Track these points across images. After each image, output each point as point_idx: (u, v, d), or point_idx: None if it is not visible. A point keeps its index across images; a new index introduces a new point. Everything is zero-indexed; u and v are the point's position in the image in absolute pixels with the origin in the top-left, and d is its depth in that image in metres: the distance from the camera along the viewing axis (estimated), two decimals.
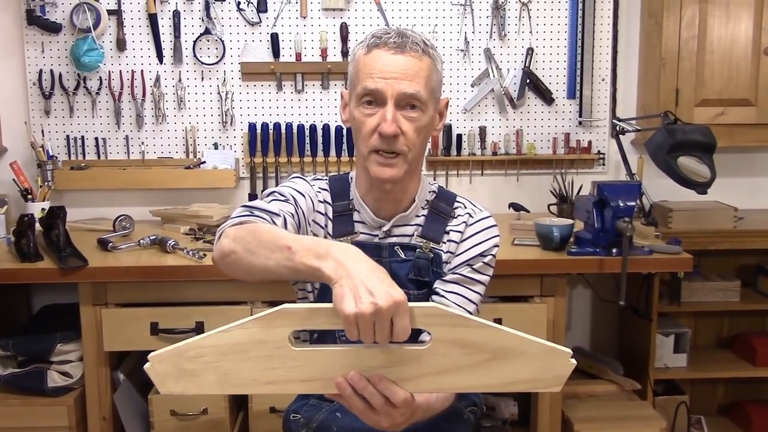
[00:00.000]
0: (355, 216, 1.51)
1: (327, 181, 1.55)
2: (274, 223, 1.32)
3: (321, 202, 1.51)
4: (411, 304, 1.01)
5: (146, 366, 1.04)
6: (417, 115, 1.37)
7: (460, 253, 1.50)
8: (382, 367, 1.04)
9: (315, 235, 1.47)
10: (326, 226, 1.50)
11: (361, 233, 1.50)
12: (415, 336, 1.13)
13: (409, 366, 1.04)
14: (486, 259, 1.50)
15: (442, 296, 1.46)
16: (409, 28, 1.44)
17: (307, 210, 1.46)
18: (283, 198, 1.43)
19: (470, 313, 1.48)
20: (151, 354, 1.03)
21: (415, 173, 1.48)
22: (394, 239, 1.50)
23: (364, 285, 1.02)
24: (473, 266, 1.49)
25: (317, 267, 1.09)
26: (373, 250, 1.46)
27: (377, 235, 1.50)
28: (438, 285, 1.48)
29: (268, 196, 1.44)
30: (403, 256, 1.48)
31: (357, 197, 1.51)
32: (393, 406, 1.06)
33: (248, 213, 1.34)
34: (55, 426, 2.26)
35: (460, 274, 1.48)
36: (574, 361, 1.03)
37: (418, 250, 1.48)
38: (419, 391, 1.08)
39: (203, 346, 1.03)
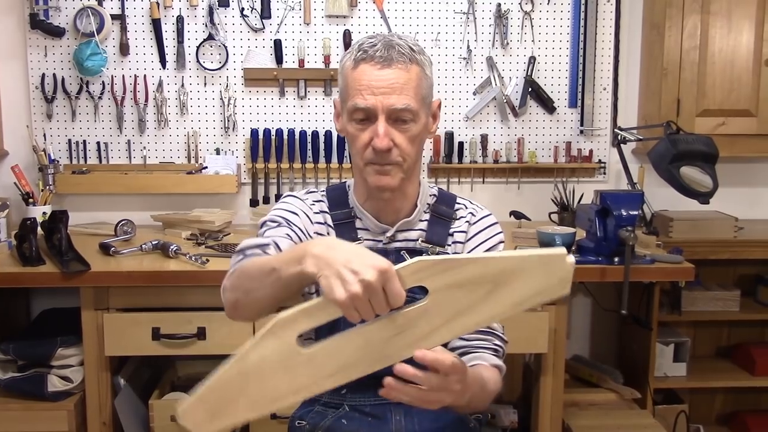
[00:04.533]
0: (358, 223, 1.51)
1: (323, 193, 1.55)
2: (266, 253, 1.35)
3: (317, 213, 1.51)
4: (396, 266, 1.02)
5: (179, 420, 1.05)
6: (409, 126, 1.38)
7: (466, 253, 1.50)
8: (394, 335, 1.04)
9: None
10: (329, 234, 1.50)
11: (366, 239, 1.50)
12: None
13: (419, 325, 1.04)
14: None
15: None
16: (395, 34, 1.44)
17: (304, 227, 1.47)
18: (274, 224, 1.45)
19: None
20: (179, 408, 1.05)
21: (413, 179, 1.48)
22: (399, 244, 1.50)
23: (346, 268, 1.03)
24: None
25: (299, 270, 1.10)
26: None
27: (381, 241, 1.50)
28: None
29: (261, 227, 1.46)
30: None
31: (357, 205, 1.51)
32: (445, 377, 1.07)
33: (241, 257, 1.36)
34: (55, 431, 2.25)
35: None
36: (571, 257, 1.03)
37: (424, 254, 1.48)
38: (436, 345, 1.09)
39: (226, 379, 1.04)
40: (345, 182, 1.57)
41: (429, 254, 1.48)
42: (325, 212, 1.52)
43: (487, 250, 1.50)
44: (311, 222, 1.49)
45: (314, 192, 1.55)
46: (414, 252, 1.49)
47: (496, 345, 1.45)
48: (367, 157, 1.39)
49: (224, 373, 1.04)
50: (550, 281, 1.03)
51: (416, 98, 1.37)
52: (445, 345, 1.14)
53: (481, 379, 1.23)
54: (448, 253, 1.50)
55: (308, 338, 1.38)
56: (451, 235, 1.51)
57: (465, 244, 1.51)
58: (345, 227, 1.50)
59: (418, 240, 1.50)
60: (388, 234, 1.49)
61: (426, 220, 1.52)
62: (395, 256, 1.48)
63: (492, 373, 1.38)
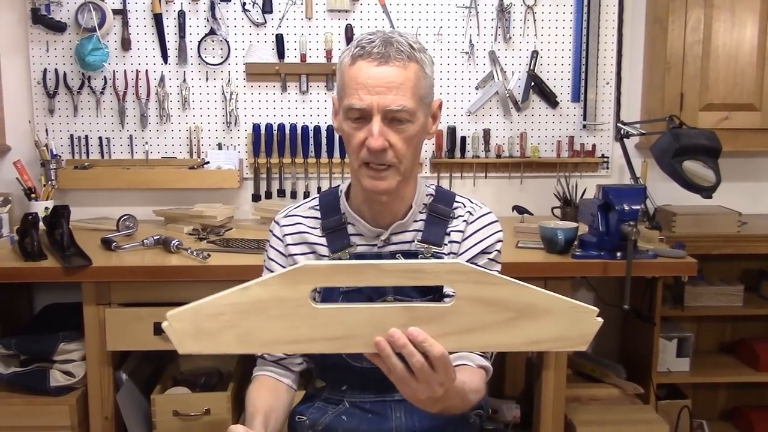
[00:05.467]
0: (350, 229, 1.49)
1: (316, 201, 1.54)
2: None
3: (293, 235, 1.51)
4: (435, 261, 1.01)
5: (164, 324, 1.02)
6: (405, 126, 1.35)
7: (462, 252, 1.47)
8: (405, 324, 1.02)
9: None
10: (315, 252, 1.50)
11: (359, 245, 1.48)
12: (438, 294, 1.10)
13: (433, 324, 1.02)
14: (491, 256, 1.48)
15: None
16: (397, 31, 1.40)
17: (286, 265, 1.50)
18: None
19: None
20: (169, 312, 1.01)
21: (409, 180, 1.45)
22: (393, 247, 1.47)
23: None
24: (478, 264, 1.46)
25: None
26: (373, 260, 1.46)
27: (376, 245, 1.47)
28: (447, 289, 1.47)
29: None
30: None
31: (349, 210, 1.49)
32: (432, 370, 1.04)
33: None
34: (57, 425, 2.25)
35: None
36: (600, 319, 1.02)
37: (420, 255, 1.46)
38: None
39: (223, 303, 1.01)
40: (338, 187, 1.55)
41: (425, 255, 1.46)
42: (304, 232, 1.50)
43: (484, 249, 1.47)
44: (286, 256, 1.50)
45: (298, 207, 1.54)
46: (409, 254, 1.46)
47: None
48: (362, 157, 1.36)
49: (223, 297, 1.01)
50: (573, 332, 1.02)
51: (413, 98, 1.34)
52: None
53: (462, 392, 1.19)
54: (444, 253, 1.47)
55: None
56: (448, 234, 1.48)
57: (461, 243, 1.48)
58: (337, 234, 1.49)
59: (413, 241, 1.47)
60: (382, 238, 1.47)
61: (422, 220, 1.49)
62: (390, 259, 1.45)
63: (476, 378, 1.34)
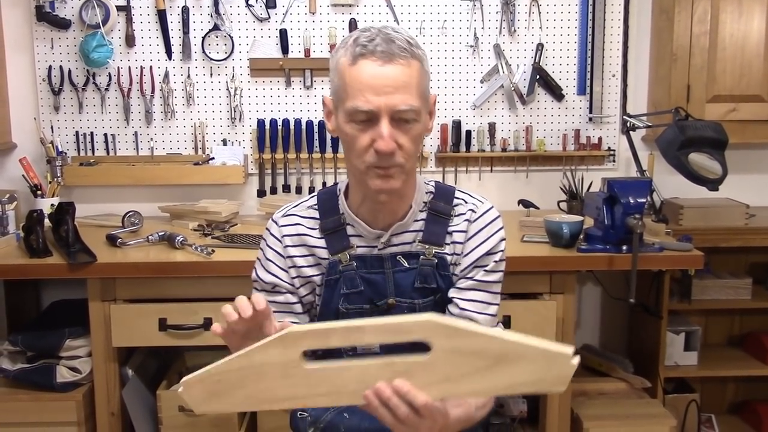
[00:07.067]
0: (350, 230, 1.47)
1: (314, 201, 1.52)
2: None
3: (291, 238, 1.49)
4: (408, 317, 1.02)
5: (179, 390, 1.11)
6: (412, 126, 1.32)
7: (467, 253, 1.46)
8: (389, 377, 1.06)
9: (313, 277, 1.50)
10: (314, 254, 1.48)
11: (359, 246, 1.47)
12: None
13: (415, 375, 1.05)
14: (496, 257, 1.47)
15: (462, 308, 1.44)
16: (389, 26, 1.36)
17: (284, 267, 1.49)
18: (259, 290, 1.51)
19: (493, 315, 1.47)
20: (183, 380, 1.11)
21: (411, 179, 1.43)
22: (394, 249, 1.46)
23: None
24: (485, 268, 1.45)
25: None
26: (374, 262, 1.45)
27: (376, 246, 1.46)
28: (454, 294, 1.45)
29: (253, 282, 1.52)
30: (406, 264, 1.45)
31: (348, 211, 1.47)
32: (419, 416, 1.06)
33: None
34: (64, 421, 2.26)
35: (475, 279, 1.45)
36: (575, 361, 1.00)
37: (421, 256, 1.44)
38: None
39: (228, 370, 1.09)
40: (336, 185, 1.53)
41: (426, 256, 1.45)
42: (303, 234, 1.48)
43: (489, 251, 1.46)
44: (285, 257, 1.48)
45: (288, 215, 1.51)
46: (410, 255, 1.45)
47: None
48: (369, 161, 1.32)
49: (227, 364, 1.08)
50: (549, 376, 1.02)
51: (420, 97, 1.31)
52: None
53: (466, 417, 1.21)
54: (446, 253, 1.46)
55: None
56: (450, 234, 1.46)
57: (465, 244, 1.46)
58: (336, 235, 1.47)
59: (414, 242, 1.46)
60: (383, 240, 1.45)
61: (423, 219, 1.47)
62: (391, 261, 1.45)
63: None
